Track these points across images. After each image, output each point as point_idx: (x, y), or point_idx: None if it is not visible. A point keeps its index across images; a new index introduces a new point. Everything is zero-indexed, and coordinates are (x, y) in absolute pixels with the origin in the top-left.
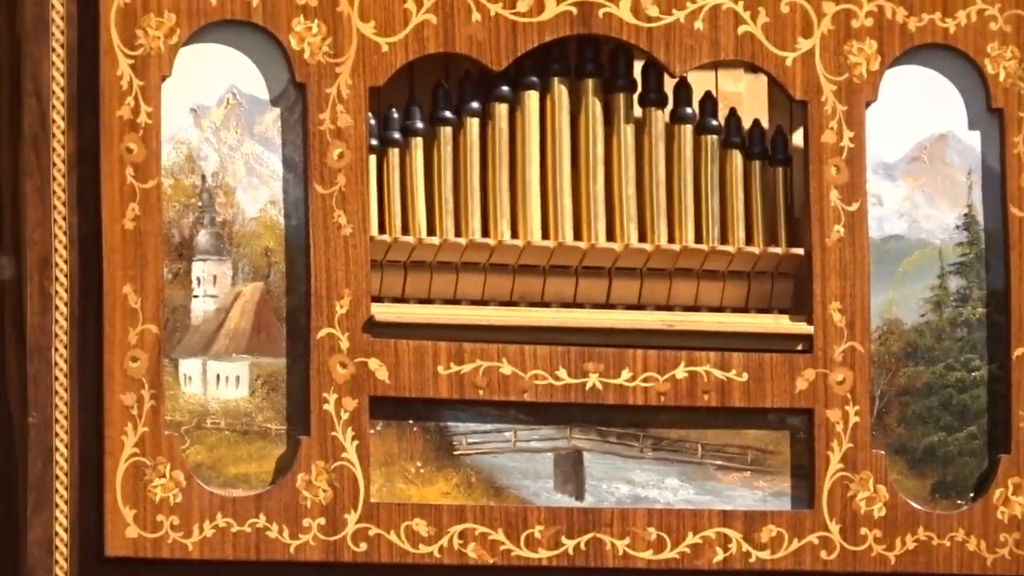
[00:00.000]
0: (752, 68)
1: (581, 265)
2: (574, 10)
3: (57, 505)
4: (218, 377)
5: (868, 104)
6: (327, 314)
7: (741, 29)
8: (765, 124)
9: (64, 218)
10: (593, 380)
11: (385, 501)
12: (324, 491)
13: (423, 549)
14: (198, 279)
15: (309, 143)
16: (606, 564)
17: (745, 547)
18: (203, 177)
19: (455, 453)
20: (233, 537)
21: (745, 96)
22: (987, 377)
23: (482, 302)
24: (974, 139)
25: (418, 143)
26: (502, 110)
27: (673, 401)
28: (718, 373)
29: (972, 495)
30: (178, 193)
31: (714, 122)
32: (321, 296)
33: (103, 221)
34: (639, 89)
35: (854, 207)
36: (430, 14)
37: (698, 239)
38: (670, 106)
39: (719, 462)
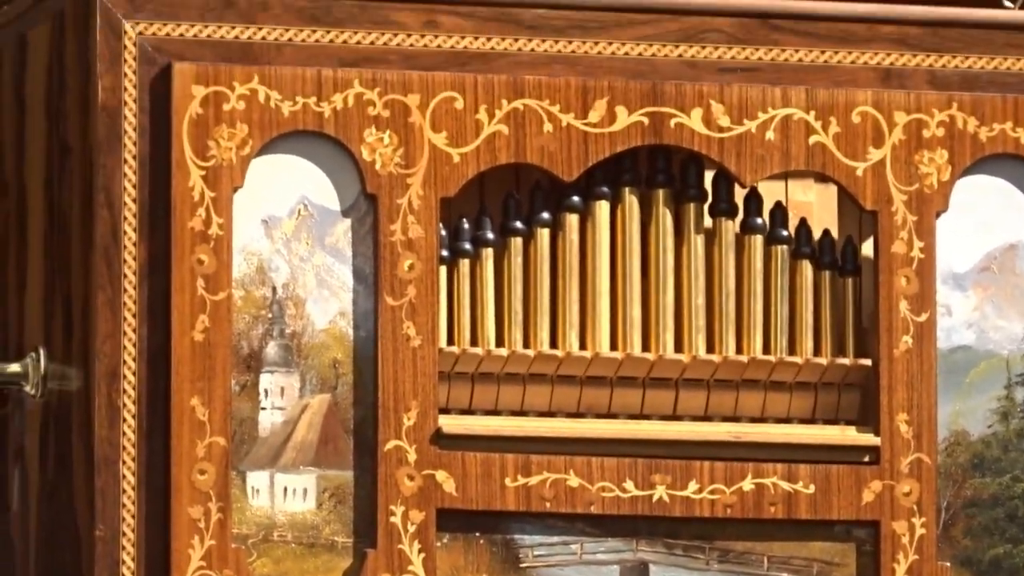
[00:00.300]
0: (823, 178)
1: (649, 376)
2: (645, 120)
3: None
4: (285, 490)
5: (939, 214)
6: (394, 426)
7: (812, 139)
8: (835, 234)
9: (134, 330)
10: (660, 492)
11: None
12: None
13: None
14: (266, 391)
15: (380, 254)
16: None
17: None
18: (273, 289)
19: (521, 566)
20: None
21: (815, 206)
22: None
23: (549, 413)
24: None
25: (488, 254)
26: (573, 220)
27: (740, 513)
28: (785, 485)
29: None
30: (248, 305)
31: (784, 232)
32: (388, 408)
33: (173, 333)
34: (710, 199)
35: (923, 318)
36: (502, 124)
37: (766, 350)
38: (740, 216)
39: (785, 574)
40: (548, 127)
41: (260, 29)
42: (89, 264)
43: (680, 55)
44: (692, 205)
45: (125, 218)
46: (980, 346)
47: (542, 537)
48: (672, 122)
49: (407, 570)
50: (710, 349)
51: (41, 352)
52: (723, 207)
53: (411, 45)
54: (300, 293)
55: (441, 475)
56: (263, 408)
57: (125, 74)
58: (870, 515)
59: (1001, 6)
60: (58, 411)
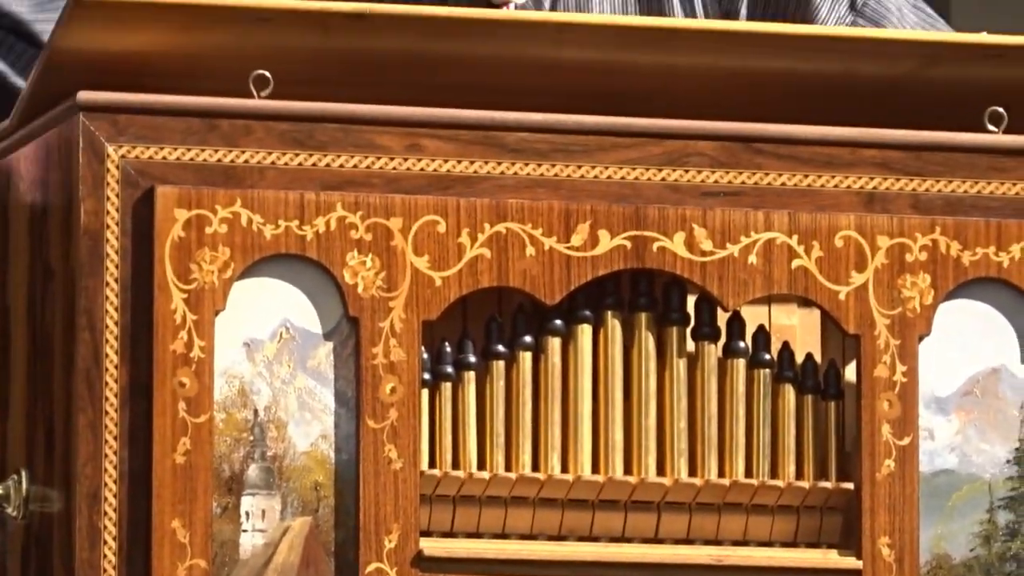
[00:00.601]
0: (805, 302)
1: (630, 499)
2: (628, 244)
3: None
4: None
5: (921, 338)
6: (376, 549)
7: (795, 263)
8: (818, 358)
9: (115, 452)
10: None
11: None
12: None
13: None
14: (247, 513)
15: (361, 377)
16: None
17: None
18: (255, 411)
19: None
20: None
21: (798, 330)
22: None
23: (531, 536)
24: None
25: (470, 377)
26: (555, 344)
27: None
28: None
29: None
30: (230, 427)
31: (767, 356)
32: (370, 531)
33: (154, 455)
34: (692, 323)
35: (906, 441)
36: (484, 248)
37: (748, 473)
38: (723, 340)
39: None
40: (531, 251)
41: (243, 152)
42: (71, 386)
43: (663, 179)
44: (675, 329)
45: (107, 340)
46: (963, 470)
47: None
48: (655, 246)
49: None
50: (692, 472)
51: (23, 474)
52: (706, 331)
53: (394, 169)
54: (282, 416)
55: None
56: (244, 530)
57: (108, 197)
58: None
59: (984, 130)
60: (40, 533)
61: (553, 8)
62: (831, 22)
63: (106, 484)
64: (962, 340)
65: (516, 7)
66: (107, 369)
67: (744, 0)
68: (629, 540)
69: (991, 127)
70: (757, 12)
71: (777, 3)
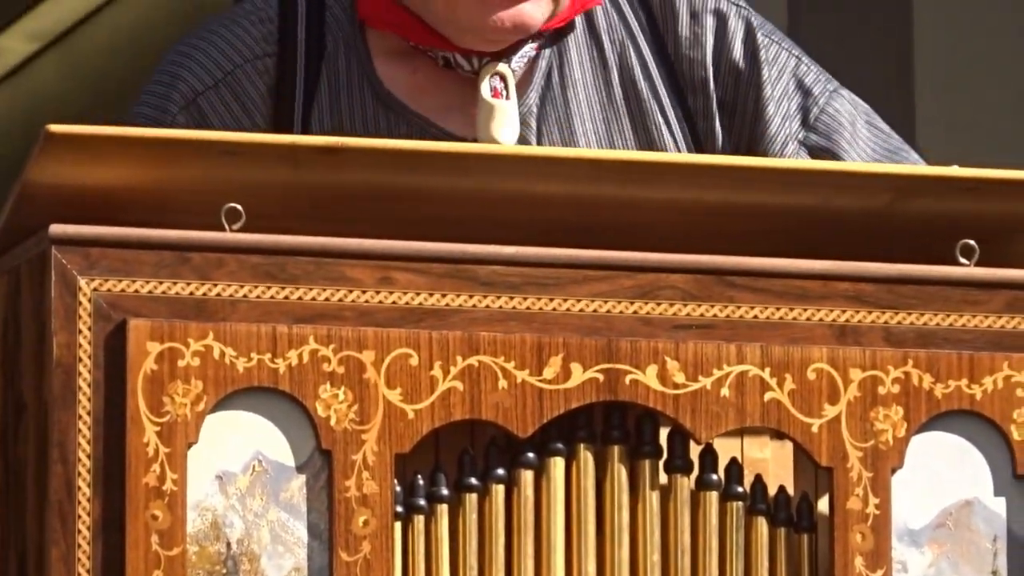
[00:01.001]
0: (778, 434)
1: None
2: (600, 377)
3: None
4: None
5: (894, 470)
6: None
7: (767, 396)
8: (791, 491)
9: None
10: None
11: None
12: None
13: None
14: None
15: (334, 510)
16: None
17: None
18: (228, 544)
19: None
20: None
21: (771, 462)
22: None
23: None
24: (999, 505)
25: (443, 510)
26: (527, 477)
27: None
28: None
29: None
30: (203, 560)
31: (739, 489)
32: None
33: None
34: (665, 455)
35: (878, 574)
36: (457, 381)
37: None
38: (696, 472)
39: None
40: (503, 383)
41: (215, 285)
42: (43, 519)
43: (635, 311)
44: (647, 462)
45: (79, 473)
46: None
47: None
48: (627, 379)
49: None
50: None
51: None
52: (678, 463)
53: (366, 302)
54: (255, 548)
55: None
56: None
57: (80, 330)
58: None
59: (956, 263)
60: None
61: (539, 126)
62: (782, 137)
63: None
64: (935, 472)
65: (504, 98)
66: (79, 502)
67: (716, 121)
68: None
69: (963, 260)
70: (728, 134)
71: (740, 123)
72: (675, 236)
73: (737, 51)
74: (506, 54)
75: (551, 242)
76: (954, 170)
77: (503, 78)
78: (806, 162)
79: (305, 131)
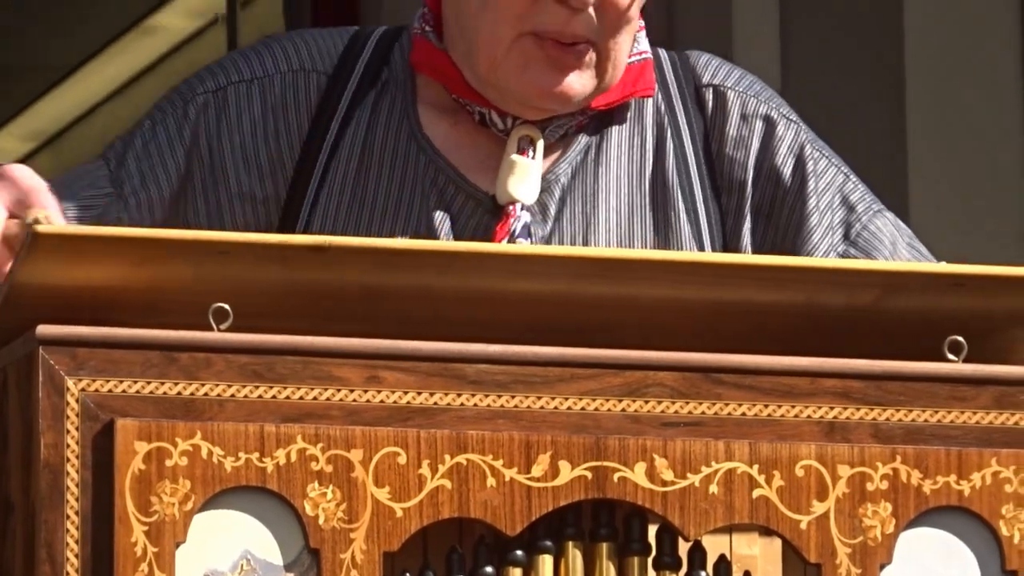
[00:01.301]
0: (767, 531)
1: None
2: (589, 474)
3: None
4: None
5: (882, 567)
6: None
7: (756, 493)
8: None
9: None
10: None
11: None
12: None
13: None
14: None
15: None
16: None
17: None
18: None
19: None
20: None
21: (760, 559)
22: None
23: None
24: None
25: None
26: (516, 575)
27: None
28: None
29: None
30: None
31: None
32: None
33: None
34: (653, 552)
35: None
36: (445, 479)
37: None
38: (684, 569)
39: None
40: (491, 482)
41: (203, 385)
42: None
43: (623, 409)
44: (636, 559)
45: (67, 573)
46: None
47: None
48: (615, 476)
49: None
50: None
51: None
52: (667, 560)
53: (354, 400)
54: None
55: None
56: None
57: (68, 430)
58: None
59: (944, 359)
60: None
61: (564, 196)
62: (824, 248)
63: None
64: (924, 569)
65: (522, 207)
66: None
67: (747, 222)
68: None
69: (951, 356)
70: (757, 237)
71: (776, 230)
72: (662, 334)
73: (782, 158)
74: (544, 123)
75: (538, 340)
76: (941, 266)
77: (531, 140)
78: (792, 258)
79: (334, 151)
